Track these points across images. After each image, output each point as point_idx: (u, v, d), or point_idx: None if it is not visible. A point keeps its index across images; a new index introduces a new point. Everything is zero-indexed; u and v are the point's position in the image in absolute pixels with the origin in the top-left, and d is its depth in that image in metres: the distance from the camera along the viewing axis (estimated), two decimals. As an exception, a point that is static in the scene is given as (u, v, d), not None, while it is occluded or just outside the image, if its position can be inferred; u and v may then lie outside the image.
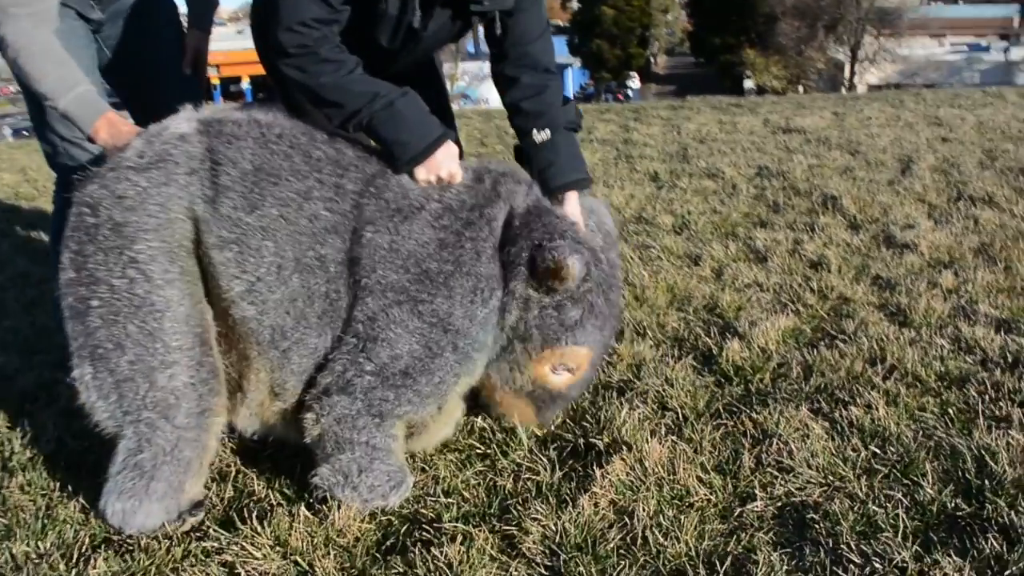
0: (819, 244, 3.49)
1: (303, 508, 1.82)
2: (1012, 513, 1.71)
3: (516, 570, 1.65)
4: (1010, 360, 2.40)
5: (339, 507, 1.80)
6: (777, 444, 2.01)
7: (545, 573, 1.65)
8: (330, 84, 1.82)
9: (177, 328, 1.66)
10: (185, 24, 2.56)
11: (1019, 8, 43.85)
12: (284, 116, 1.82)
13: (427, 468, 2.00)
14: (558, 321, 1.78)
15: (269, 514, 1.83)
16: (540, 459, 1.98)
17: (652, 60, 48.16)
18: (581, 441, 2.06)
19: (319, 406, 1.72)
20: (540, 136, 2.00)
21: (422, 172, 1.80)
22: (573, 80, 33.22)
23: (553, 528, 1.74)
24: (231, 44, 24.23)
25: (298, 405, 1.80)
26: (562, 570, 1.64)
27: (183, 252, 1.69)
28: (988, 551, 1.61)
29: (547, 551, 1.69)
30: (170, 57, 2.43)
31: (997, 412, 2.12)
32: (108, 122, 2.03)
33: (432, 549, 1.69)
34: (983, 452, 1.92)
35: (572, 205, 1.96)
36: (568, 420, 2.17)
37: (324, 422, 1.72)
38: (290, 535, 1.74)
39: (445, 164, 1.80)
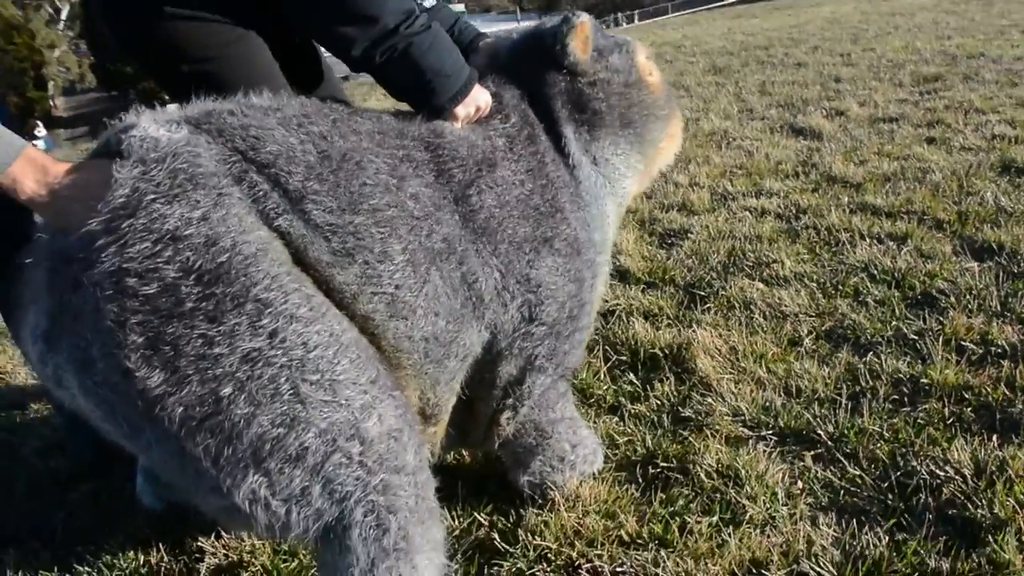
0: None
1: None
2: (929, 287, 2.40)
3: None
4: (794, 211, 3.17)
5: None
6: (760, 305, 2.44)
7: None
8: None
9: (358, 359, 1.20)
10: None
11: None
12: (264, 95, 1.35)
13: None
14: (614, 50, 1.66)
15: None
16: (634, 381, 2.13)
17: (52, 103, 44.04)
18: (641, 356, 2.24)
19: (514, 398, 1.54)
20: (429, 2, 1.83)
21: (461, 109, 1.53)
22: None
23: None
24: None
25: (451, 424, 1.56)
26: None
27: (303, 274, 1.21)
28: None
29: None
30: None
31: (839, 239, 2.84)
32: (31, 162, 1.20)
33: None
34: (869, 260, 2.60)
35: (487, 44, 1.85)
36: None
37: (523, 412, 1.56)
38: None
39: (478, 96, 1.56)
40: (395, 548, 1.22)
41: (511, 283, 1.45)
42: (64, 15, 42.93)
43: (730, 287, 2.56)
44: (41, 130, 37.17)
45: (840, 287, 2.48)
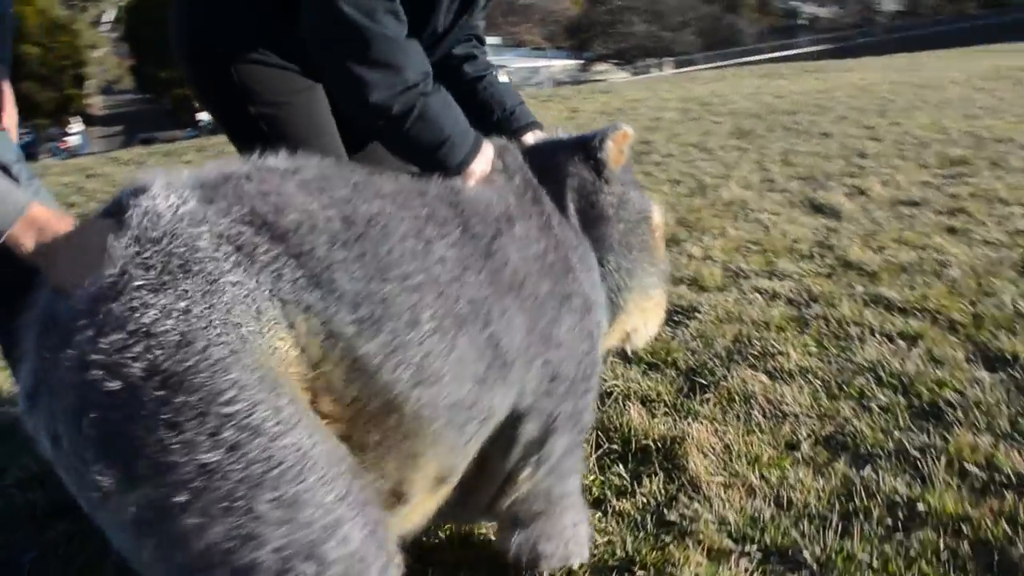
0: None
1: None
2: (938, 394, 2.33)
3: None
4: (806, 297, 3.11)
5: None
6: (761, 398, 2.38)
7: None
8: (393, 39, 1.49)
9: (326, 475, 1.13)
10: None
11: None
12: (281, 157, 1.33)
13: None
14: (637, 191, 1.70)
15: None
16: (623, 474, 2.06)
17: (89, 102, 44.72)
18: (632, 447, 2.18)
19: (535, 458, 1.51)
20: (503, 79, 1.91)
21: (475, 171, 1.55)
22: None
23: None
24: None
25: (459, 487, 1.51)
26: None
27: (284, 374, 1.13)
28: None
29: None
30: None
31: (852, 332, 2.78)
32: (32, 223, 1.21)
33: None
34: (880, 358, 2.53)
35: (538, 138, 1.86)
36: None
37: (540, 474, 1.52)
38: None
39: (485, 158, 1.58)
40: None
41: (535, 340, 1.43)
42: (108, 18, 43.73)
43: (732, 377, 2.49)
44: (76, 127, 37.68)
45: (845, 387, 2.41)
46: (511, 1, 48.59)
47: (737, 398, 2.38)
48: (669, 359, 2.67)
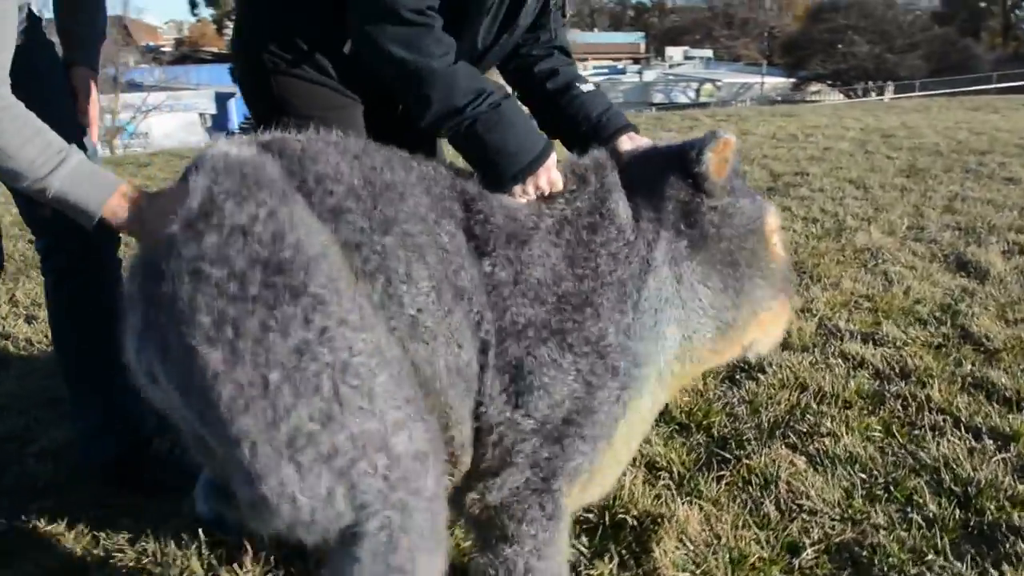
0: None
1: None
2: (1008, 513, 1.92)
3: None
4: (898, 371, 2.70)
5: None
6: (783, 487, 2.07)
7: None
8: (439, 69, 1.55)
9: (398, 376, 1.23)
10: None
11: (643, 35, 49.98)
12: (342, 135, 1.45)
13: None
14: (748, 198, 1.59)
15: None
16: (581, 548, 1.85)
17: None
18: (607, 519, 1.95)
19: (484, 484, 1.45)
20: (587, 87, 1.86)
21: (527, 188, 1.55)
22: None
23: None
24: None
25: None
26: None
27: (356, 281, 1.26)
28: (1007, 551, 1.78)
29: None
30: (60, 107, 1.87)
31: (927, 421, 2.37)
32: (124, 196, 1.41)
33: None
34: (947, 461, 2.13)
35: (637, 142, 1.79)
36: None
37: (490, 499, 1.45)
38: None
39: (545, 175, 1.56)
40: (400, 569, 1.23)
41: (502, 362, 1.40)
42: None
43: (762, 454, 2.19)
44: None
45: (892, 488, 2.05)
46: (732, 15, 47.32)
47: (755, 480, 2.09)
48: (704, 423, 2.39)
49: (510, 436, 1.42)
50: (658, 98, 34.83)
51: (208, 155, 1.25)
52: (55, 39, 2.08)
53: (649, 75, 39.58)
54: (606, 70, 42.17)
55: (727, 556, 1.80)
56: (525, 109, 1.72)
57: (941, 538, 1.85)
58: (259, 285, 1.14)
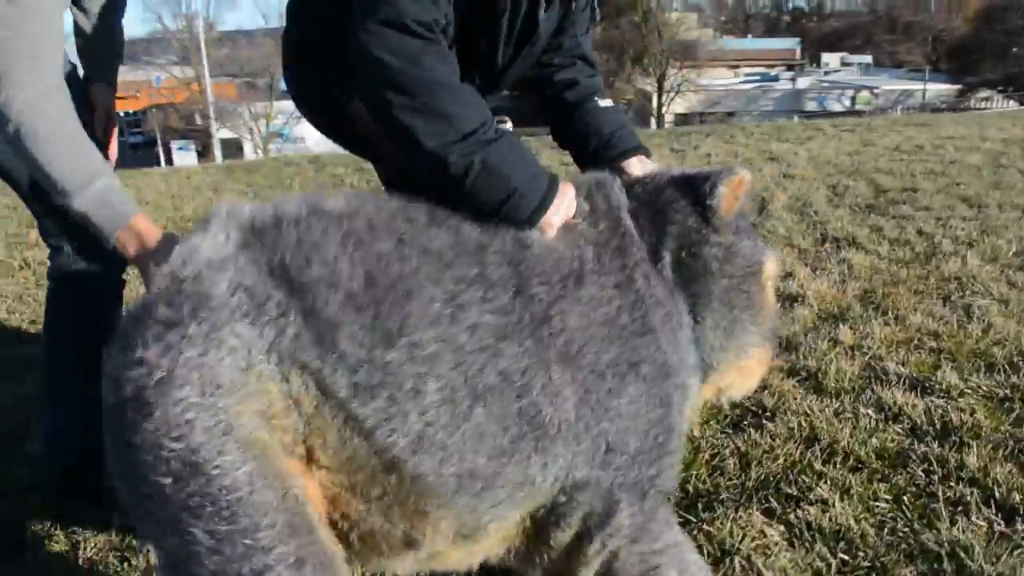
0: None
1: None
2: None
3: None
4: (938, 427, 2.29)
5: None
6: (740, 562, 1.76)
7: None
8: (442, 84, 1.42)
9: (257, 522, 1.17)
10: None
11: (799, 41, 47.99)
12: (350, 197, 1.36)
13: None
14: (750, 240, 1.56)
15: None
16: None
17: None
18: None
19: (601, 532, 1.38)
20: (605, 102, 1.80)
21: (552, 221, 1.44)
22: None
23: None
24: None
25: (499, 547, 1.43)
26: None
27: (260, 425, 1.19)
28: None
29: None
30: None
31: (950, 493, 1.98)
32: (136, 233, 1.54)
33: None
34: (956, 548, 1.76)
35: (646, 166, 1.73)
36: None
37: (613, 545, 1.38)
38: None
39: (564, 204, 1.47)
40: None
41: (587, 413, 1.35)
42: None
43: (730, 520, 1.89)
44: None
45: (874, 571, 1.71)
46: (895, 17, 44.64)
47: (712, 551, 1.79)
48: (682, 474, 2.09)
49: (607, 477, 1.37)
50: (810, 106, 33.29)
51: (185, 245, 1.23)
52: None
53: (803, 82, 37.93)
54: (757, 77, 40.75)
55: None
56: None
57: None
58: (131, 419, 1.15)
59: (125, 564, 1.92)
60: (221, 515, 1.15)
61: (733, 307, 1.53)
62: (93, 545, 1.99)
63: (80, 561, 1.95)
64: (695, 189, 1.51)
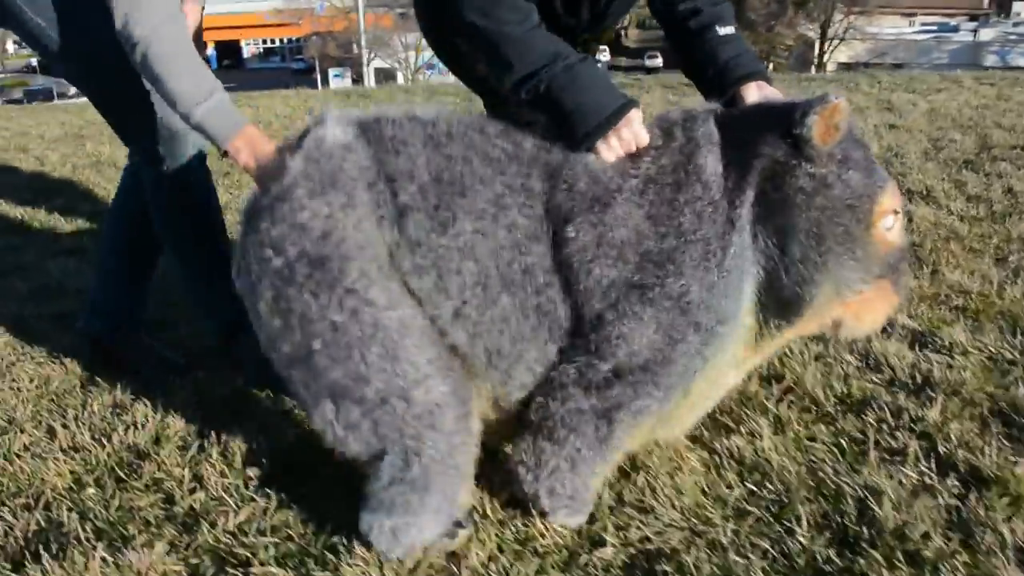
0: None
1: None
2: (887, 570, 1.52)
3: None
4: (919, 381, 2.20)
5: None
6: (644, 478, 1.80)
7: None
8: (514, 35, 1.67)
9: (420, 343, 1.49)
10: None
11: (990, -11, 43.88)
12: (442, 109, 1.62)
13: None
14: (861, 172, 1.52)
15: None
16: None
17: (623, 33, 47.83)
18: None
19: (551, 394, 1.56)
20: (725, 30, 1.83)
21: (604, 147, 1.59)
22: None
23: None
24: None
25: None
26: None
27: (393, 271, 1.50)
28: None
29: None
30: None
31: (893, 443, 1.92)
32: (248, 139, 1.81)
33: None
34: (867, 493, 1.72)
35: (765, 91, 1.76)
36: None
37: (552, 408, 1.56)
38: None
39: (628, 133, 1.59)
40: (412, 481, 1.52)
41: (585, 320, 1.52)
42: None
43: (651, 442, 1.91)
44: (606, 55, 40.81)
45: (772, 512, 1.70)
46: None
47: (624, 464, 1.82)
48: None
49: (589, 375, 1.52)
50: (990, 60, 30.61)
51: (312, 136, 1.50)
52: None
53: (986, 34, 34.82)
54: (934, 27, 37.71)
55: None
56: (603, 70, 1.76)
57: None
58: (304, 275, 1.43)
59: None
60: (391, 338, 1.45)
61: (824, 240, 1.50)
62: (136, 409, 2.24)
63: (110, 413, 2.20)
64: (785, 119, 1.49)
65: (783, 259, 1.52)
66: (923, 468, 1.82)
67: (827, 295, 1.55)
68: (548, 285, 1.51)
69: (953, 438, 1.92)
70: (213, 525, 1.72)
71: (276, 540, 1.67)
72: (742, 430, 1.98)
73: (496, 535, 1.65)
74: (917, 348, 2.40)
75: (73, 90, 13.33)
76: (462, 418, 1.53)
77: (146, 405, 2.20)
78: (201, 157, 2.30)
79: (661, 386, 1.54)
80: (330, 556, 1.61)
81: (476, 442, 1.58)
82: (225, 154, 1.82)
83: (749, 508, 1.71)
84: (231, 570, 1.60)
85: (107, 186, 4.72)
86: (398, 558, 1.57)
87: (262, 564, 1.61)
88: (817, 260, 1.51)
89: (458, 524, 1.62)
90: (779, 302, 1.55)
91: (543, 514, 1.66)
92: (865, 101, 6.61)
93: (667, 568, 1.55)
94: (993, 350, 2.38)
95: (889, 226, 1.55)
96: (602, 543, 1.63)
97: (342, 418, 1.49)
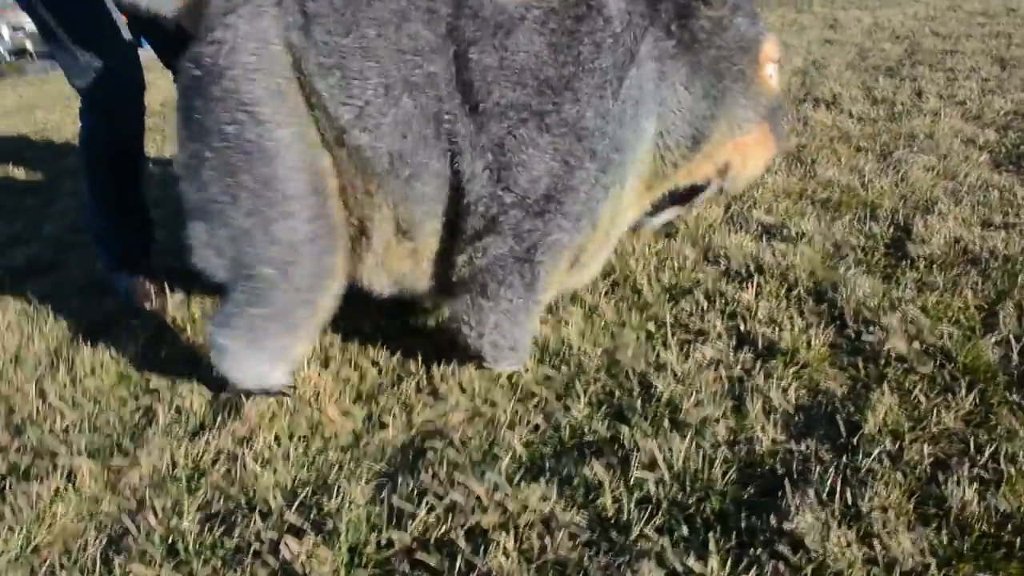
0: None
1: None
2: (651, 437, 1.56)
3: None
4: (752, 270, 2.23)
5: None
6: (441, 370, 1.84)
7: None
8: None
9: (292, 174, 1.53)
10: None
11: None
12: None
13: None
14: (748, 20, 1.67)
15: None
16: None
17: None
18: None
19: (472, 248, 1.62)
20: None
21: None
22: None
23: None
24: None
25: (437, 256, 1.70)
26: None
27: (290, 89, 1.55)
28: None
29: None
30: None
31: (701, 325, 1.96)
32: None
33: None
34: (654, 370, 1.76)
35: None
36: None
37: (478, 263, 1.63)
38: None
39: None
40: (252, 324, 1.62)
41: (483, 141, 1.56)
42: None
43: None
44: None
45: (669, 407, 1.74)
46: None
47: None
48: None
49: (494, 208, 1.57)
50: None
51: None
52: None
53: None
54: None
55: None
56: None
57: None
58: (211, 84, 1.50)
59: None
60: (266, 157, 1.49)
61: (722, 77, 1.65)
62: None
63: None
64: None
65: (687, 94, 1.63)
66: (721, 345, 1.86)
67: (722, 131, 1.69)
68: (451, 96, 1.55)
69: (760, 316, 1.95)
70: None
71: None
72: (550, 319, 2.01)
73: (288, 425, 1.70)
74: (765, 240, 2.42)
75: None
76: (314, 276, 1.59)
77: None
78: (132, 96, 2.29)
79: (569, 215, 1.60)
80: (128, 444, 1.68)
81: (329, 303, 1.65)
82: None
83: (536, 391, 1.75)
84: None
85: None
86: (237, 385, 1.70)
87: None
88: (716, 96, 1.65)
89: (290, 386, 1.75)
90: (679, 138, 1.66)
91: (487, 366, 1.78)
92: (811, 20, 6.52)
93: (436, 445, 1.60)
94: (839, 237, 2.39)
95: (771, 73, 1.70)
96: (385, 426, 1.68)
97: (211, 240, 1.57)
